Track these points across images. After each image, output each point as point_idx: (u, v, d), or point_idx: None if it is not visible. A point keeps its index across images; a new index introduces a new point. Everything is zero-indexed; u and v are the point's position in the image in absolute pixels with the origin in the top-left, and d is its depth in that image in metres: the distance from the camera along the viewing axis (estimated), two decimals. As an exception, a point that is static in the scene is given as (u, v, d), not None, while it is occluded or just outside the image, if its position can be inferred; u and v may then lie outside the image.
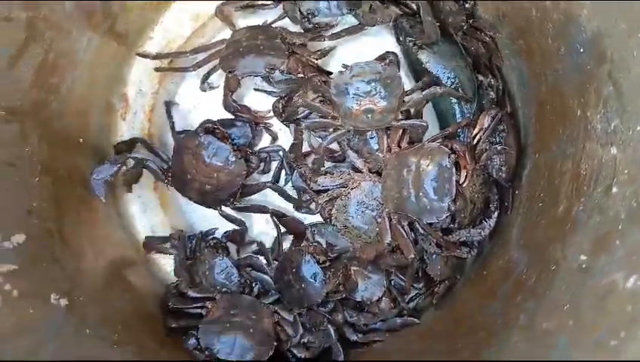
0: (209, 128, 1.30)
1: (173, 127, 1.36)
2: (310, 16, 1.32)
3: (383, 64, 1.18)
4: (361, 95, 1.17)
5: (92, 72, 1.27)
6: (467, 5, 1.24)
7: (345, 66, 1.20)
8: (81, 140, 1.28)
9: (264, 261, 1.36)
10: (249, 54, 1.29)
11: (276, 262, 1.35)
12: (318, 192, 1.34)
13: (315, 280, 1.28)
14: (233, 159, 1.27)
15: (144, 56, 1.36)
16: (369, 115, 1.17)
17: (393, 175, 1.20)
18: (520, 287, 1.07)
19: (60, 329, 1.03)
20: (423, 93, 1.20)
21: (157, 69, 1.38)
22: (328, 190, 1.33)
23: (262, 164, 1.38)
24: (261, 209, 1.37)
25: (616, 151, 0.90)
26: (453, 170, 1.15)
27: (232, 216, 1.36)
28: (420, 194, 1.16)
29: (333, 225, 1.32)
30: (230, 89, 1.31)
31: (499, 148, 1.24)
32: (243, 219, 1.37)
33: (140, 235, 1.42)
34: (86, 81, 1.26)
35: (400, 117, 1.20)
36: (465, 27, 1.27)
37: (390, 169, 1.21)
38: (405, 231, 1.20)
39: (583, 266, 0.90)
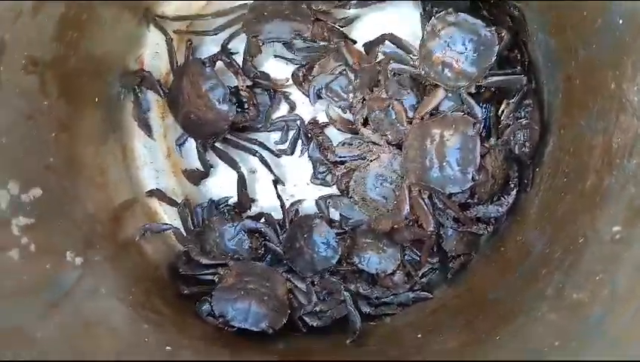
0: (216, 59, 1.28)
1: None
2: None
3: (488, 30, 1.12)
4: (451, 47, 1.12)
5: (111, 31, 1.24)
6: (498, -21, 1.22)
7: (451, 12, 1.13)
8: (96, 100, 1.24)
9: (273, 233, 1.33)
10: (274, 19, 1.26)
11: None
12: (335, 163, 1.33)
13: (328, 244, 1.27)
14: (225, 102, 1.25)
15: (164, 17, 1.32)
16: (445, 69, 1.13)
17: (415, 145, 1.18)
18: (544, 262, 1.07)
19: (75, 286, 1.01)
20: (505, 78, 1.17)
21: (176, 32, 1.34)
22: (346, 161, 1.31)
23: (280, 133, 1.35)
24: (250, 150, 1.34)
25: (655, 122, 0.89)
26: (478, 139, 1.13)
27: (224, 152, 1.33)
28: (444, 164, 1.14)
29: (350, 197, 1.30)
30: (251, 54, 1.29)
31: (524, 122, 1.23)
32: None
33: (153, 203, 1.39)
34: (105, 39, 1.23)
35: (471, 89, 1.16)
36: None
37: (412, 140, 1.18)
38: (425, 203, 1.18)
39: (617, 237, 0.90)
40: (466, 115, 1.14)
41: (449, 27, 1.12)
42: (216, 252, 1.31)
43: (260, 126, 1.35)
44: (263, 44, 1.28)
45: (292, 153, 1.36)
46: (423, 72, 1.16)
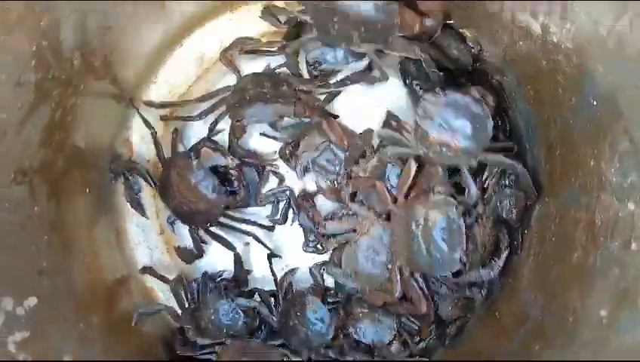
0: (201, 147, 1.30)
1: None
2: (317, 65, 1.31)
3: (479, 105, 1.14)
4: (445, 127, 1.14)
5: (97, 123, 1.26)
6: (473, 50, 1.24)
7: (439, 91, 1.15)
8: (87, 190, 1.26)
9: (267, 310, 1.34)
10: (256, 102, 1.28)
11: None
12: (325, 236, 1.34)
13: (322, 320, 1.28)
14: (215, 192, 1.27)
15: (149, 104, 1.35)
16: (443, 149, 1.15)
17: (401, 229, 1.19)
18: (538, 334, 1.08)
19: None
20: (502, 160, 1.18)
21: (162, 118, 1.36)
22: (337, 235, 1.33)
23: (271, 207, 1.37)
24: (243, 231, 1.36)
25: (634, 207, 0.90)
26: (462, 221, 1.15)
27: (218, 235, 1.35)
28: (431, 248, 1.16)
29: (343, 269, 1.31)
30: (235, 136, 1.31)
31: (508, 191, 1.25)
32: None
33: (148, 282, 1.40)
34: (91, 132, 1.24)
35: (472, 163, 1.17)
36: (471, 70, 1.28)
37: (398, 223, 1.20)
38: (419, 284, 1.19)
39: (604, 322, 0.91)
40: (448, 198, 1.15)
41: (440, 107, 1.14)
42: (212, 329, 1.31)
43: (250, 201, 1.36)
44: (246, 126, 1.30)
45: (284, 222, 1.38)
46: (421, 153, 1.18)
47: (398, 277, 1.21)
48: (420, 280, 1.21)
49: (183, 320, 1.33)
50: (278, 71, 1.35)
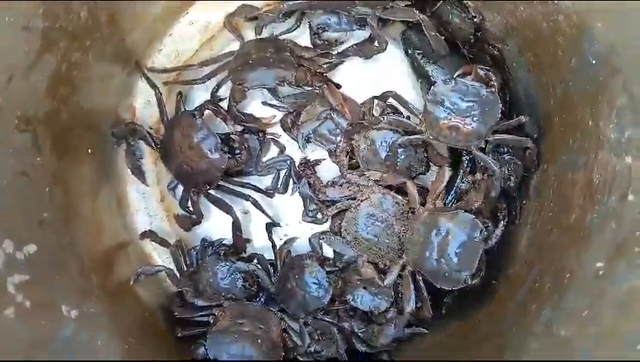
0: (204, 108, 1.31)
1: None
2: (320, 31, 1.33)
3: (487, 89, 1.16)
4: (455, 111, 1.16)
5: (102, 83, 1.27)
6: (475, 20, 1.26)
7: (449, 79, 1.18)
8: (89, 151, 1.27)
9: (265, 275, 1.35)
10: (259, 67, 1.29)
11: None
12: (325, 203, 1.35)
13: (319, 284, 1.28)
14: (217, 152, 1.27)
15: (153, 70, 1.36)
16: (453, 133, 1.17)
17: (421, 232, 1.20)
18: (534, 296, 1.08)
19: (72, 340, 1.02)
20: (512, 138, 1.20)
21: (165, 83, 1.37)
22: (337, 202, 1.33)
23: (271, 177, 1.38)
24: (243, 195, 1.36)
25: (632, 160, 0.91)
26: (482, 245, 1.16)
27: (218, 198, 1.35)
28: (442, 259, 1.16)
29: (343, 237, 1.32)
30: (235, 100, 1.32)
31: (507, 158, 1.25)
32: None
33: (147, 248, 1.41)
34: (96, 92, 1.25)
35: (482, 145, 1.20)
36: (472, 40, 1.29)
37: (419, 225, 1.21)
38: (416, 285, 1.21)
39: (600, 273, 0.91)
40: (476, 219, 1.16)
41: (450, 93, 1.17)
42: (210, 292, 1.31)
43: (251, 170, 1.36)
44: (248, 90, 1.31)
45: (284, 192, 1.38)
46: (430, 138, 1.20)
47: (397, 270, 1.21)
48: (421, 284, 1.22)
49: (181, 283, 1.33)
50: (281, 37, 1.35)
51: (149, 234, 1.39)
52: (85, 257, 1.17)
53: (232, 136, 1.31)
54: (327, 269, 1.32)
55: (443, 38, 1.24)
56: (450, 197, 1.30)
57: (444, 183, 1.23)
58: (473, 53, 1.30)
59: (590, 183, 1.02)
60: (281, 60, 1.30)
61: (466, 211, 1.17)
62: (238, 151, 1.32)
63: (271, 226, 1.38)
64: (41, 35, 1.02)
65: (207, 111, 1.31)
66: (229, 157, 1.29)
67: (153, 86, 1.33)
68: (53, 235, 1.09)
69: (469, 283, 1.16)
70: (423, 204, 1.24)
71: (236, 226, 1.35)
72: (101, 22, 1.17)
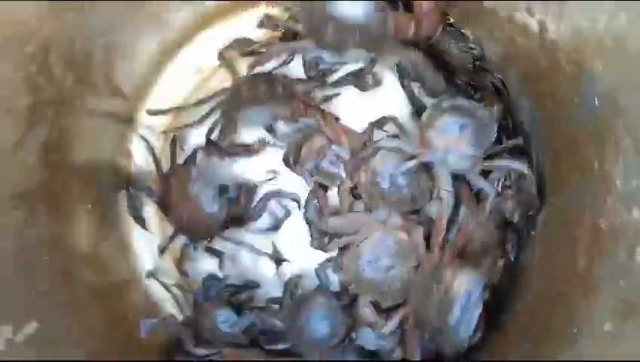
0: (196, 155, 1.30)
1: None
2: (314, 65, 1.29)
3: (484, 109, 1.13)
4: (450, 132, 1.12)
5: (95, 138, 1.26)
6: (475, 51, 1.21)
7: (445, 98, 1.14)
8: (89, 206, 1.26)
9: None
10: (252, 105, 1.27)
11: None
12: (325, 233, 1.31)
13: (330, 323, 1.25)
14: (215, 203, 1.26)
15: (154, 113, 1.35)
16: (447, 154, 1.13)
17: (424, 278, 1.18)
18: (539, 347, 1.05)
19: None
20: (508, 163, 1.16)
21: (164, 132, 1.37)
22: (339, 236, 1.30)
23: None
24: (253, 251, 1.35)
25: (639, 214, 0.87)
26: (481, 303, 1.11)
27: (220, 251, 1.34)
28: (442, 316, 1.12)
29: (345, 275, 1.29)
30: (226, 136, 1.30)
31: (510, 193, 1.21)
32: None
33: (155, 296, 1.41)
34: (90, 148, 1.24)
35: (476, 169, 1.16)
36: (472, 69, 1.24)
37: (424, 270, 1.19)
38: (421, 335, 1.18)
39: (608, 336, 0.88)
40: (479, 278, 1.13)
41: (446, 113, 1.12)
42: (212, 338, 1.29)
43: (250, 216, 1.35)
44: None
45: (277, 229, 1.37)
46: (424, 158, 1.16)
47: (398, 319, 1.20)
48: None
49: (182, 332, 1.31)
50: (274, 72, 1.32)
51: (154, 276, 1.39)
52: (92, 318, 1.18)
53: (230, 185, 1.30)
54: (339, 304, 1.31)
55: (441, 73, 1.19)
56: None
57: (444, 232, 1.18)
58: (474, 81, 1.25)
59: (598, 229, 0.97)
60: (274, 97, 1.27)
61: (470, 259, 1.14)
62: (235, 196, 1.30)
63: (278, 263, 1.37)
64: (27, 111, 1.00)
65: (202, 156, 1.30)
66: (228, 206, 1.27)
67: (147, 142, 1.32)
68: (53, 303, 1.10)
69: (469, 344, 1.12)
70: (427, 239, 1.21)
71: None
72: (89, 82, 1.15)
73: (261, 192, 1.35)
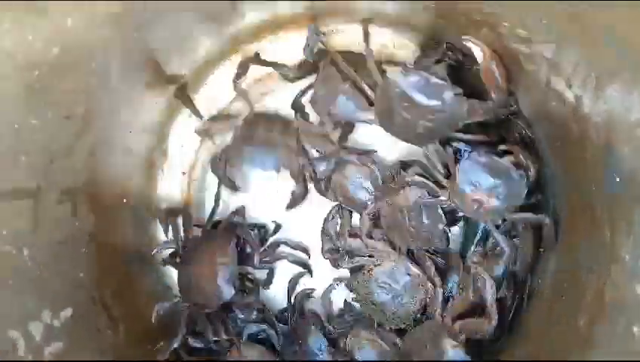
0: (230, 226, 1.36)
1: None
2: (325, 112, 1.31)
3: (518, 173, 1.18)
4: (480, 186, 1.18)
5: (137, 138, 1.32)
6: (512, 107, 1.24)
7: (482, 154, 1.19)
8: (125, 200, 1.33)
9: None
10: (261, 146, 1.31)
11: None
12: (343, 251, 1.38)
13: (321, 352, 1.35)
14: (229, 284, 1.30)
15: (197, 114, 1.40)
16: (475, 206, 1.20)
17: (419, 338, 1.25)
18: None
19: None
20: (530, 217, 1.21)
21: (197, 132, 1.42)
22: (354, 255, 1.37)
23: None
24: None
25: (641, 292, 0.93)
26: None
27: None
28: None
29: (354, 296, 1.38)
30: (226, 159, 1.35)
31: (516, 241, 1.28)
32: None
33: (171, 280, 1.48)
34: (131, 147, 1.31)
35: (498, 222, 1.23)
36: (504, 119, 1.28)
37: (421, 332, 1.27)
38: None
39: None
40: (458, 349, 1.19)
41: (480, 167, 1.18)
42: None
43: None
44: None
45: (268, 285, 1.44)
46: (453, 205, 1.23)
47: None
48: None
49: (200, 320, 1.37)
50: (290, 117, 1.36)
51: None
52: (114, 309, 1.25)
53: (248, 277, 1.37)
54: (334, 329, 1.38)
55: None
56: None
57: (440, 301, 1.27)
58: (504, 129, 1.30)
59: (602, 294, 1.03)
60: (286, 145, 1.31)
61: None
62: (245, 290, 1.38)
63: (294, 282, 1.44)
64: (81, 119, 1.07)
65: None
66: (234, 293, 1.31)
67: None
68: (86, 295, 1.18)
69: None
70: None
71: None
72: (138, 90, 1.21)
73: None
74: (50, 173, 1.05)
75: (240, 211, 1.41)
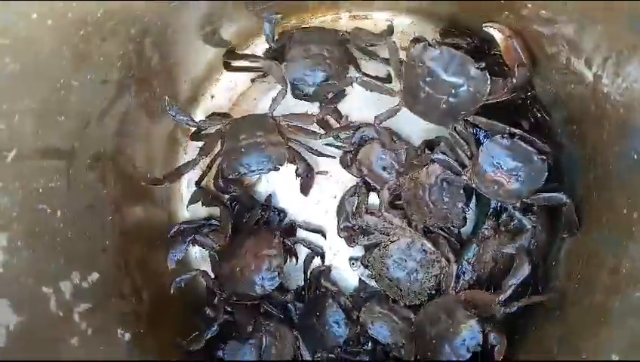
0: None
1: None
2: (298, 85, 1.39)
3: (540, 157, 1.21)
4: (503, 168, 1.21)
5: (163, 115, 1.34)
6: (529, 93, 1.29)
7: (506, 136, 1.22)
8: (148, 175, 1.36)
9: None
10: (251, 152, 1.33)
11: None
12: (359, 228, 1.41)
13: (338, 324, 1.37)
14: (272, 279, 1.33)
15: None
16: (495, 186, 1.23)
17: (431, 313, 1.28)
18: None
19: (124, 362, 1.13)
20: (549, 197, 1.23)
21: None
22: (370, 233, 1.40)
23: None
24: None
25: (659, 263, 0.96)
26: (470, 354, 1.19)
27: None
28: (437, 343, 1.22)
29: (369, 270, 1.40)
30: (224, 176, 1.37)
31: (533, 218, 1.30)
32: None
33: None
34: (157, 123, 1.34)
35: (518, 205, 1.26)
36: (519, 102, 1.32)
37: (433, 306, 1.29)
38: None
39: (614, 362, 0.97)
40: (480, 333, 1.20)
41: (503, 149, 1.22)
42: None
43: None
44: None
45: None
46: (473, 184, 1.26)
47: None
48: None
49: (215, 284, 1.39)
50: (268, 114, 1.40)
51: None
52: (138, 277, 1.28)
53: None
54: (350, 305, 1.40)
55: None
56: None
57: (454, 277, 1.30)
58: (520, 114, 1.33)
59: (617, 270, 1.06)
60: (273, 143, 1.35)
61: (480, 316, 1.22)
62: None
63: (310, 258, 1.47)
64: (116, 84, 1.10)
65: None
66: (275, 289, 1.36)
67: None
68: (112, 261, 1.20)
69: None
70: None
71: None
72: (168, 64, 1.24)
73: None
74: (84, 137, 1.08)
75: (267, 200, 1.47)
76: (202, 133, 1.40)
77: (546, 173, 1.22)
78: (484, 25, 1.23)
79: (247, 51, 1.47)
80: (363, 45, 1.40)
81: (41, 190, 1.00)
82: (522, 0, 1.11)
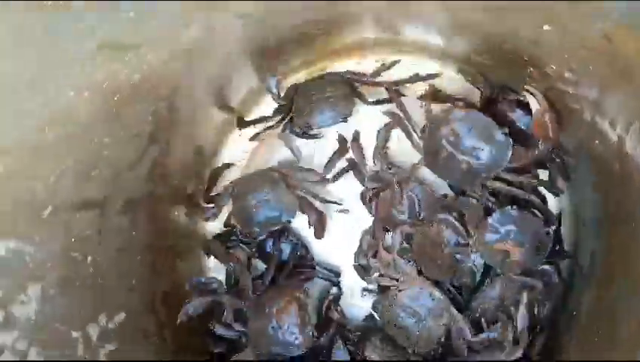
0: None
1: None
2: (307, 130, 1.42)
3: (546, 230, 1.23)
4: (509, 239, 1.23)
5: (191, 156, 1.39)
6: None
7: (514, 209, 1.24)
8: (176, 213, 1.40)
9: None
10: (260, 209, 1.38)
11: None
12: (365, 269, 1.43)
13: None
14: (303, 334, 1.33)
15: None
16: (500, 257, 1.24)
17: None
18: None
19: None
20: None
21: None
22: (378, 274, 1.41)
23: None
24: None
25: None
26: None
27: None
28: None
29: (380, 317, 1.40)
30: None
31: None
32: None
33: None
34: (187, 163, 1.39)
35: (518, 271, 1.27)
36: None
37: None
38: None
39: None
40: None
41: (510, 224, 1.23)
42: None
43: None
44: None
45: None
46: (478, 253, 1.28)
47: None
48: None
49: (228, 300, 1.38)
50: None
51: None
52: (162, 314, 1.32)
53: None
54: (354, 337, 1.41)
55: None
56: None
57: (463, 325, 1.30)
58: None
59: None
60: (279, 198, 1.38)
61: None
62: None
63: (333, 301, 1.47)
64: (148, 136, 1.15)
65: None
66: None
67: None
68: (138, 299, 1.24)
69: None
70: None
71: None
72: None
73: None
74: (116, 186, 1.12)
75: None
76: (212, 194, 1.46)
77: (550, 244, 1.24)
78: (525, 87, 1.25)
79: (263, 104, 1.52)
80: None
81: (73, 240, 1.05)
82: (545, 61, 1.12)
